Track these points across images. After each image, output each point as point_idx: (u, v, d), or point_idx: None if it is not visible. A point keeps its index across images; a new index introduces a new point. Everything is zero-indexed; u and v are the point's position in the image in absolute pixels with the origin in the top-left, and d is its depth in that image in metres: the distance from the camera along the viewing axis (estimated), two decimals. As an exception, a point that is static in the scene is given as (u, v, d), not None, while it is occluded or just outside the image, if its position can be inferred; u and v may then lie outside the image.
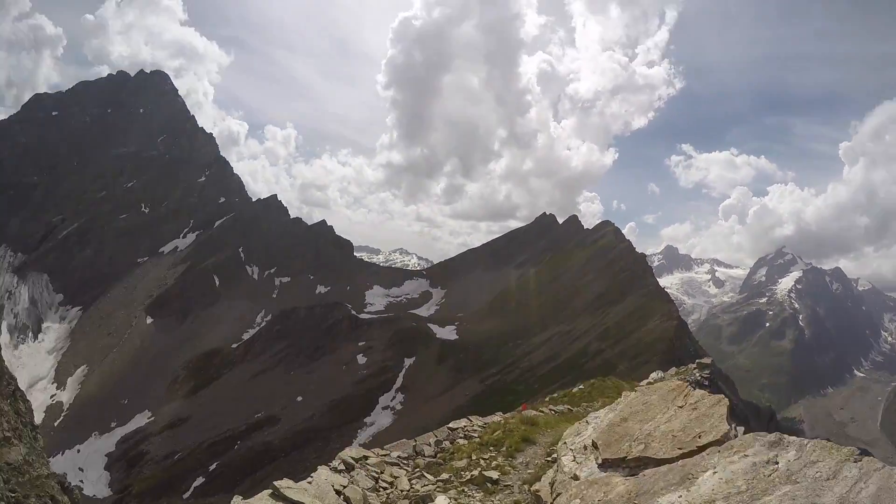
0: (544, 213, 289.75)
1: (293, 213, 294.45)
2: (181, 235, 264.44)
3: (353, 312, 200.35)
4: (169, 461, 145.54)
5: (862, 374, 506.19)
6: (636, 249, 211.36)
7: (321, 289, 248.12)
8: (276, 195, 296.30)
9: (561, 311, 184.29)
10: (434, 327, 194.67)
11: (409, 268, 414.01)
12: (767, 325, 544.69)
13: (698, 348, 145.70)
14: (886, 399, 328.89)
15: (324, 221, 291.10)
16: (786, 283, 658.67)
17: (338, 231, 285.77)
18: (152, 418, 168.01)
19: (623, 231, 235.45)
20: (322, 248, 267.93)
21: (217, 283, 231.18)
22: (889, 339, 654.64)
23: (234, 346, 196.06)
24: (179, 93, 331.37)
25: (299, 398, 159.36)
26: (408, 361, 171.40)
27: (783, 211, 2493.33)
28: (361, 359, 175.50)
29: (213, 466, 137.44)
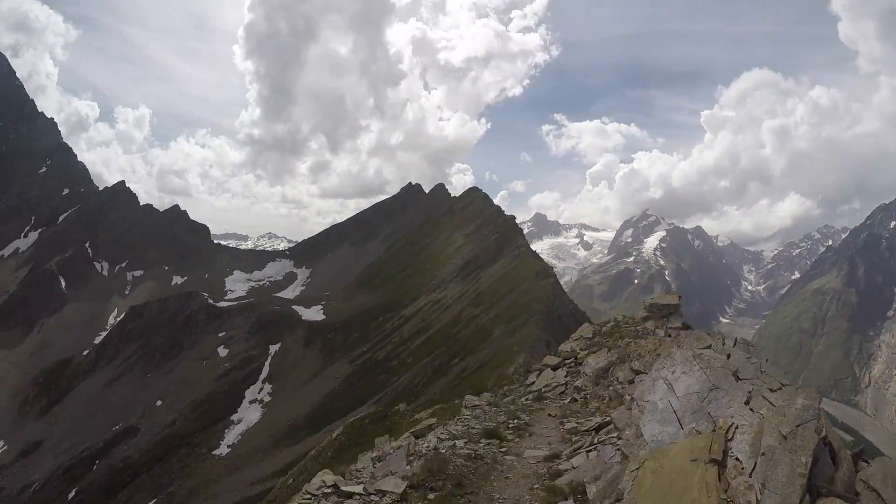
0: (410, 183, 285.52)
1: (154, 204, 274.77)
2: (22, 235, 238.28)
3: (211, 301, 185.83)
4: (26, 495, 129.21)
5: (726, 321, 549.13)
6: (505, 214, 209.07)
7: (178, 279, 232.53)
8: (123, 181, 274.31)
9: (430, 280, 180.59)
10: (299, 309, 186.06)
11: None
12: (636, 281, 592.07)
13: (573, 308, 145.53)
14: (752, 339, 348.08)
15: (177, 206, 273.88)
16: (651, 242, 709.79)
17: (202, 220, 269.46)
18: (5, 447, 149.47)
19: (494, 200, 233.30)
20: (177, 235, 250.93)
21: (63, 284, 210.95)
22: (749, 287, 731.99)
23: (85, 352, 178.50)
24: (18, 75, 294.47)
25: (158, 402, 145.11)
26: (273, 348, 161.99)
27: (650, 175, 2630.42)
28: (223, 351, 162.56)
29: (72, 494, 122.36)
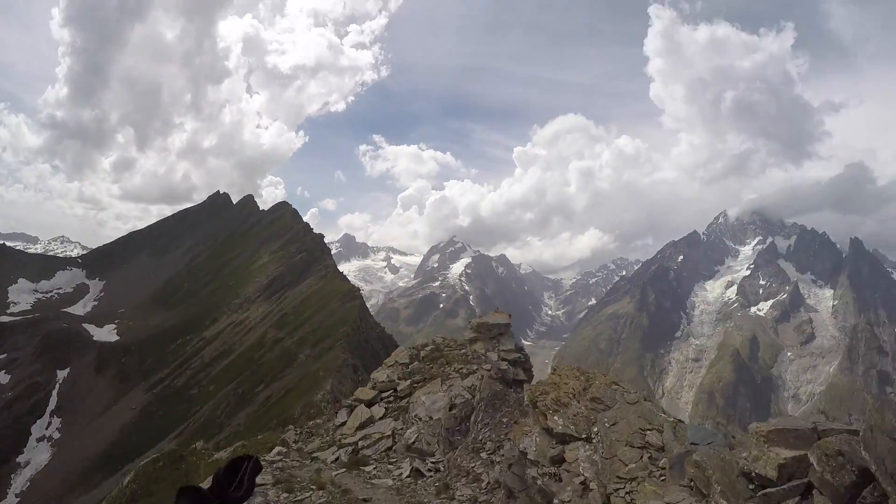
0: (218, 191, 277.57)
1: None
2: None
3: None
4: None
5: (528, 343, 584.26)
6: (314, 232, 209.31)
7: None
8: None
9: (233, 299, 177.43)
10: (91, 328, 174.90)
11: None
12: (441, 305, 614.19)
13: (380, 331, 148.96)
14: (553, 360, 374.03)
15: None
16: (457, 268, 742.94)
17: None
18: None
19: (304, 217, 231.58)
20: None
21: None
22: (549, 312, 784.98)
23: None
24: None
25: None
26: (61, 374, 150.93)
27: (460, 203, 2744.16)
28: (3, 377, 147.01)
29: None
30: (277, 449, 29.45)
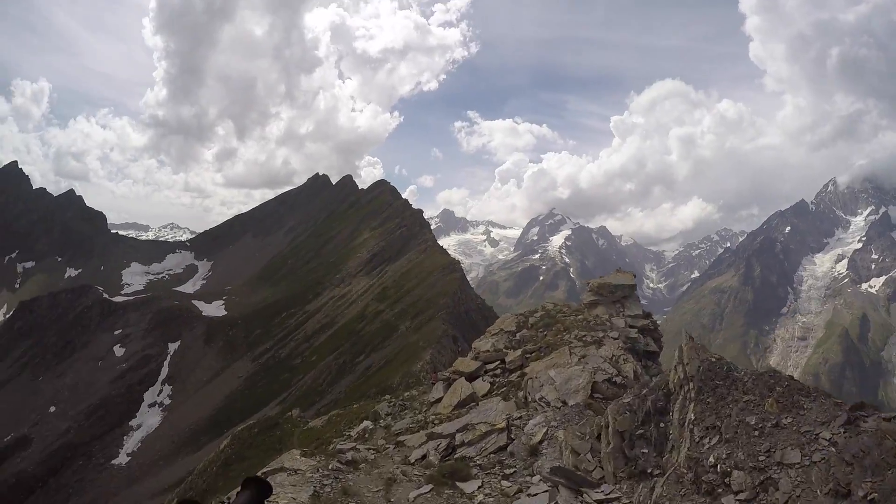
0: (317, 173, 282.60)
1: (50, 189, 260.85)
2: None
3: (106, 296, 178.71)
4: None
5: None
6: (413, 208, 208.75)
7: (71, 272, 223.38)
8: (15, 161, 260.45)
9: (335, 274, 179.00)
10: (200, 304, 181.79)
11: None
12: (541, 278, 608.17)
13: (480, 303, 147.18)
14: None
15: (72, 191, 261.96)
16: (556, 240, 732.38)
17: (101, 207, 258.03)
18: None
19: (403, 195, 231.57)
20: (70, 223, 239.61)
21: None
22: (650, 285, 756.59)
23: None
24: None
25: (52, 409, 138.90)
26: (172, 347, 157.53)
27: (558, 175, 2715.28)
28: (119, 350, 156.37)
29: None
30: (364, 424, 26.88)
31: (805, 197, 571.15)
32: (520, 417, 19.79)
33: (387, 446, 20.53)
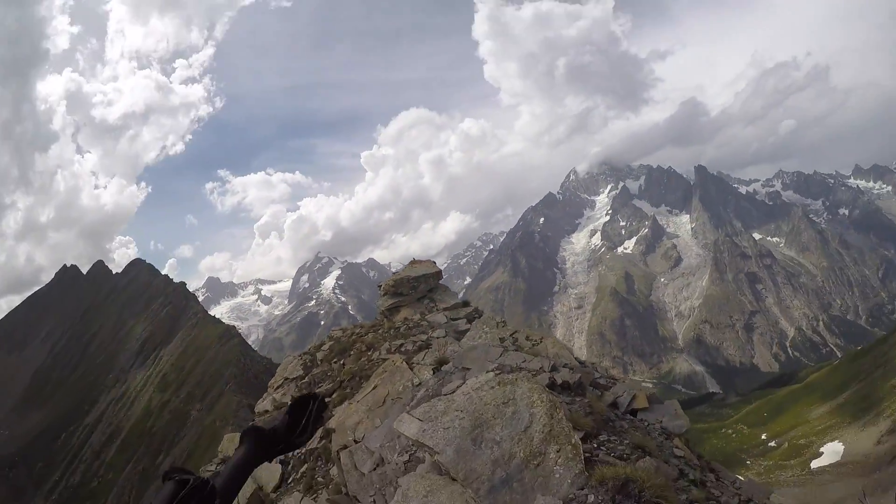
0: (65, 265, 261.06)
1: None
2: None
3: None
4: None
5: None
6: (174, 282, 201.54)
7: None
8: None
9: (107, 375, 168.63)
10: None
11: None
12: (322, 322, 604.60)
13: (268, 363, 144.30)
14: None
15: None
16: (328, 282, 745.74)
17: None
18: None
19: (163, 271, 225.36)
20: None
21: None
22: None
23: None
24: None
25: None
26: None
27: (319, 219, 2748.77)
28: None
29: None
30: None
31: (552, 189, 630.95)
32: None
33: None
